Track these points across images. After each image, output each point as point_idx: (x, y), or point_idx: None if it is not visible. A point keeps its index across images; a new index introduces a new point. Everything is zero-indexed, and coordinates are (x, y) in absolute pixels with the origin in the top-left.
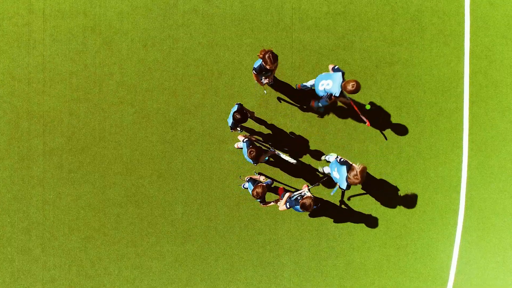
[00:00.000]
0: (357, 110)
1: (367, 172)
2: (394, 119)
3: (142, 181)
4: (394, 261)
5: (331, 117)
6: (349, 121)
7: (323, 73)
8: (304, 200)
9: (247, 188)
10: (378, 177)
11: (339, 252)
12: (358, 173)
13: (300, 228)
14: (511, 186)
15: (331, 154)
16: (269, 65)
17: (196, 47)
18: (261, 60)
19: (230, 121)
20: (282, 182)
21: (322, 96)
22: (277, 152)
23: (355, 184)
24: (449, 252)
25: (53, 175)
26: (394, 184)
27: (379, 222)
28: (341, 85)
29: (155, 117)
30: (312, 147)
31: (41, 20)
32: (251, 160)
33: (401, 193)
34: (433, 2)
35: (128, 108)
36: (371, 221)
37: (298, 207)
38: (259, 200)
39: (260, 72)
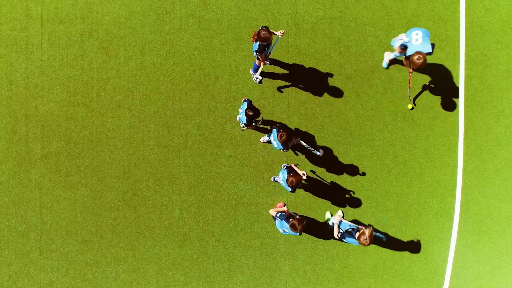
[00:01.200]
0: (409, 85)
1: (366, 172)
2: (389, 124)
3: (139, 184)
4: (389, 265)
5: (326, 122)
6: (345, 125)
7: (429, 36)
8: (294, 221)
9: (277, 181)
10: (373, 181)
11: (335, 255)
12: (367, 237)
13: None
14: (506, 190)
15: (334, 218)
16: (268, 37)
17: (193, 51)
18: (258, 42)
19: (243, 119)
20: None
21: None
22: (301, 141)
23: (364, 245)
24: (444, 255)
25: (50, 179)
26: (390, 188)
27: (375, 226)
28: (416, 51)
29: (152, 121)
30: (307, 151)
31: (39, 25)
32: (281, 146)
33: (397, 197)
34: (429, 7)
35: (125, 112)
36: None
37: (285, 223)
38: (292, 189)
39: (263, 50)
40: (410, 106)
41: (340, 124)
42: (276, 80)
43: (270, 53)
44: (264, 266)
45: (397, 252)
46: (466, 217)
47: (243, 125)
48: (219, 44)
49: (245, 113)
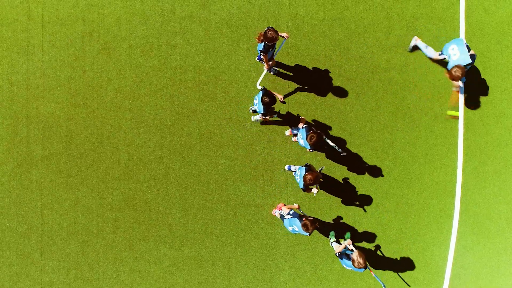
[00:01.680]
0: (453, 100)
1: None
2: (389, 125)
3: (140, 185)
4: (389, 266)
5: (326, 123)
6: (345, 126)
7: (465, 44)
8: (307, 221)
9: (293, 171)
10: (373, 182)
11: (335, 256)
12: (358, 259)
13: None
14: (506, 191)
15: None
16: (274, 38)
17: (193, 53)
18: (264, 42)
19: (260, 108)
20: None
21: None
22: (326, 138)
23: (360, 268)
24: (444, 256)
25: (51, 179)
26: (390, 189)
27: (375, 227)
28: (455, 64)
29: (152, 122)
30: (312, 152)
31: (40, 26)
32: (308, 146)
33: (397, 198)
34: (429, 9)
35: (126, 114)
36: (367, 226)
37: (298, 221)
38: (305, 187)
39: (268, 50)
40: (455, 113)
41: (340, 125)
42: (276, 81)
43: (274, 56)
44: (264, 266)
45: (397, 253)
46: (466, 218)
47: (259, 116)
48: (220, 45)
49: (262, 100)
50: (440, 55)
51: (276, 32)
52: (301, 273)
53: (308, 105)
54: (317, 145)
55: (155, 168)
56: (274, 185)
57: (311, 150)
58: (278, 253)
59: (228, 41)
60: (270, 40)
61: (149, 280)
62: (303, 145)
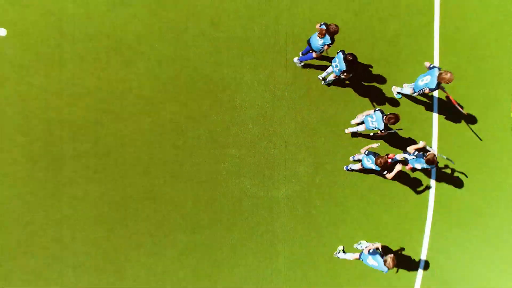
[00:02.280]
0: (452, 100)
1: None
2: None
3: (158, 180)
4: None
5: (319, 126)
6: (335, 129)
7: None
8: (428, 156)
9: (352, 169)
10: (360, 177)
11: (326, 241)
12: (390, 262)
13: (293, 221)
14: (473, 184)
15: (361, 242)
16: (337, 31)
17: (203, 65)
18: (327, 35)
19: (342, 66)
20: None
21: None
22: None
23: (391, 267)
24: (420, 240)
25: (81, 175)
26: (374, 183)
27: (361, 216)
28: (437, 78)
29: (168, 125)
30: (306, 152)
31: (71, 42)
32: (382, 127)
33: (380, 191)
34: (408, 27)
35: (145, 118)
36: (354, 216)
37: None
38: (381, 169)
39: (333, 41)
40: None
41: (331, 128)
42: (276, 86)
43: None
44: (265, 250)
45: (379, 238)
46: (439, 208)
47: (333, 76)
48: (226, 59)
49: (346, 58)
50: (413, 93)
51: (337, 26)
52: (297, 255)
53: (303, 110)
54: (395, 123)
55: (171, 165)
56: (273, 180)
57: (383, 132)
58: (276, 239)
59: (234, 55)
60: (333, 33)
61: (165, 262)
62: (378, 126)
